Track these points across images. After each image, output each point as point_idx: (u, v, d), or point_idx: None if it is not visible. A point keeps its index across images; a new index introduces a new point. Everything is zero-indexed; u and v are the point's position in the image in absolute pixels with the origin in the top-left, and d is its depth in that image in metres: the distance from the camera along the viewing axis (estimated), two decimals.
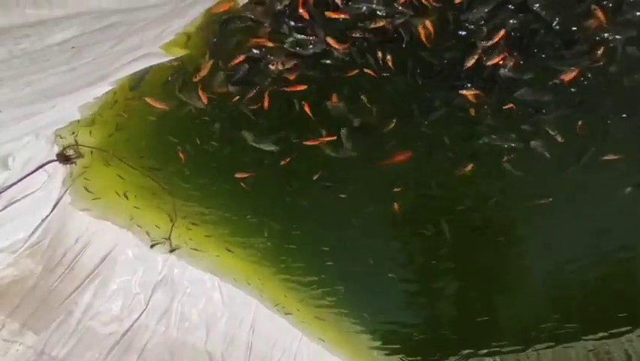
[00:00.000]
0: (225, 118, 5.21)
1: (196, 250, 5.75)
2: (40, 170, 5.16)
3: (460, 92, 4.73)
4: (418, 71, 4.84)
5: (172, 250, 5.65)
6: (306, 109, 4.99)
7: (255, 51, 4.90)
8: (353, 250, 5.68)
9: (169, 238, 5.61)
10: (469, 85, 4.75)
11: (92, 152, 5.40)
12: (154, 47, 5.10)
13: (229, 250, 5.85)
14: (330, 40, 4.63)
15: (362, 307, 5.97)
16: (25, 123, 4.46)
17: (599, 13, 4.26)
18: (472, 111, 4.84)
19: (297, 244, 5.79)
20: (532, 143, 4.98)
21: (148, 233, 5.65)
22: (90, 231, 5.43)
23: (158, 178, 5.56)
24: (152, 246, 5.62)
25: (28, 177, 5.08)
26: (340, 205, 5.45)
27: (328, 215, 5.54)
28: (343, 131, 5.09)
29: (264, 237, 5.88)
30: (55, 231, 5.31)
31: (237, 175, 5.36)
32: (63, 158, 5.33)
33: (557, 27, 4.43)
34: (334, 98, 4.95)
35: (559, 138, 4.82)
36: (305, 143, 5.12)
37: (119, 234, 5.54)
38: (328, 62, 4.83)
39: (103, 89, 5.09)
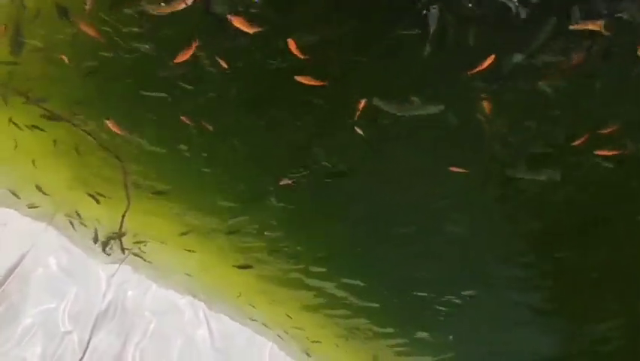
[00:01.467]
0: None
1: (161, 257, 3.34)
2: None
3: None
4: None
5: (124, 253, 3.28)
6: None
7: None
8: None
9: (119, 235, 3.25)
10: None
11: None
12: None
13: (240, 267, 3.39)
14: None
15: None
16: None
17: None
18: None
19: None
20: None
21: (83, 226, 3.32)
22: None
23: (96, 133, 3.23)
24: (104, 247, 3.28)
25: None
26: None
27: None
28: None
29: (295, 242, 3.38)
30: None
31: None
32: None
33: None
34: None
35: None
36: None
37: (35, 230, 3.26)
38: None
39: None
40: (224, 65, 2.98)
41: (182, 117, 3.11)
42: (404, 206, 3.42)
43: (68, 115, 3.21)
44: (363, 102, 2.99)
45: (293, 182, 3.32)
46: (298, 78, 2.97)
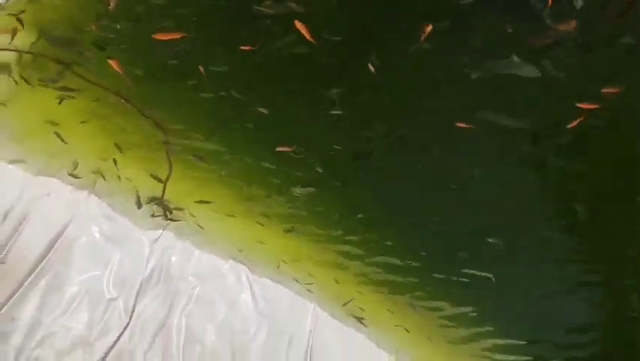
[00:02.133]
0: None
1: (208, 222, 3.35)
2: None
3: None
4: None
5: (167, 220, 3.30)
6: None
7: None
8: None
9: (161, 201, 3.27)
10: None
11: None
12: None
13: (288, 231, 3.40)
14: None
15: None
16: None
17: None
18: None
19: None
20: None
21: (125, 193, 3.33)
22: (26, 197, 3.21)
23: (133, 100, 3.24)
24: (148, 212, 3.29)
25: None
26: None
27: None
28: None
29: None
30: None
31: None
32: None
33: None
34: None
35: None
36: None
37: (77, 199, 3.28)
38: None
39: None
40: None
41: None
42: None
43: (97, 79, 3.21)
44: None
45: (292, 150, 3.35)
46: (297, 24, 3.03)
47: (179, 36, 3.06)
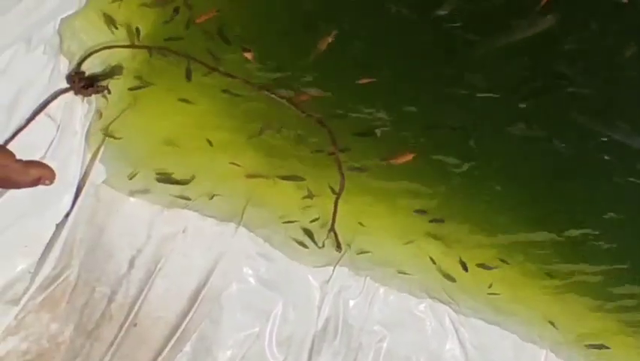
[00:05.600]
0: None
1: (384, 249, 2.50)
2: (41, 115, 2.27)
3: None
4: None
5: (340, 250, 2.46)
6: None
7: None
8: None
9: (332, 226, 2.41)
10: None
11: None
12: None
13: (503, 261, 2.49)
14: None
15: None
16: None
17: None
18: None
19: None
20: None
21: (282, 221, 2.50)
22: (155, 237, 2.41)
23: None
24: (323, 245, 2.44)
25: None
26: None
27: None
28: None
29: None
30: (86, 248, 2.36)
31: None
32: (81, 83, 2.34)
33: None
34: None
35: None
36: None
37: (222, 235, 2.46)
38: None
39: None
40: None
41: None
42: None
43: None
44: None
45: None
46: None
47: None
